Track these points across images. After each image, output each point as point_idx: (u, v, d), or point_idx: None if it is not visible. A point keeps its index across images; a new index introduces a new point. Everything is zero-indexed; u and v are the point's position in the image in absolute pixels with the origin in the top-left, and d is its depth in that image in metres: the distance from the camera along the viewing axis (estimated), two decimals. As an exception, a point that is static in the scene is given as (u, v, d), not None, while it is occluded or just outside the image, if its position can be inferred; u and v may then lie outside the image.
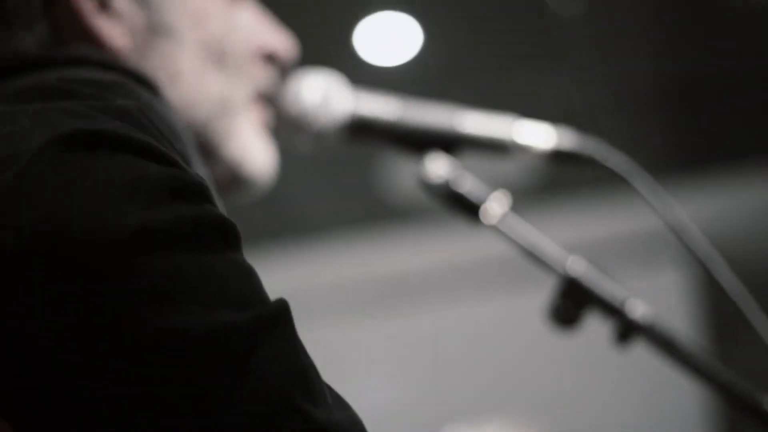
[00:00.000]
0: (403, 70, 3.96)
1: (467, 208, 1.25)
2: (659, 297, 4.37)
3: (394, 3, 3.67)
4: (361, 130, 1.28)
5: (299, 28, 4.05)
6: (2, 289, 0.78)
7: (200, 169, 1.04)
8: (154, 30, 1.20)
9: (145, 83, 1.04)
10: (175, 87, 1.20)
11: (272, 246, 5.27)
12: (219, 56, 1.24)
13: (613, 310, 1.22)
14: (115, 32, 1.18)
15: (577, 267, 1.22)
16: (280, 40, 1.32)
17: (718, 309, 4.83)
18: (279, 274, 5.07)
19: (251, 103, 1.28)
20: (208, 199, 0.86)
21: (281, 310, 0.83)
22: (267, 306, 0.82)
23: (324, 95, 1.27)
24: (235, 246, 0.84)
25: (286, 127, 1.29)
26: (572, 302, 1.22)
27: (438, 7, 3.72)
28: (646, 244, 4.96)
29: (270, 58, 1.31)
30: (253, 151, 1.26)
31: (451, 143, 1.27)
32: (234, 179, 1.26)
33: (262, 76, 1.29)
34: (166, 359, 0.77)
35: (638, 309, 1.22)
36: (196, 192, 0.85)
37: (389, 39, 3.61)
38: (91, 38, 1.17)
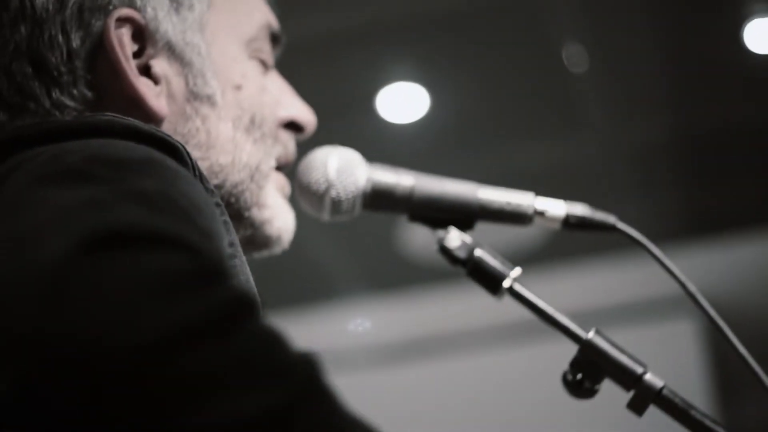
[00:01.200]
0: (415, 127, 4.43)
1: (488, 280, 1.26)
2: (666, 352, 4.38)
3: (408, 75, 4.24)
4: (377, 203, 1.29)
5: (334, 95, 4.16)
6: (48, 400, 0.78)
7: (224, 238, 1.05)
8: (193, 95, 1.23)
9: (172, 152, 1.04)
10: (210, 152, 1.23)
11: (295, 308, 5.28)
12: (251, 124, 1.27)
13: (631, 383, 1.22)
14: (155, 95, 1.21)
15: (597, 339, 1.23)
16: (303, 110, 1.35)
17: (723, 367, 4.82)
18: (302, 335, 5.07)
19: (275, 169, 1.31)
20: (227, 275, 0.86)
21: (314, 376, 0.82)
22: (300, 376, 0.82)
23: (341, 169, 1.29)
24: (256, 317, 0.84)
25: (306, 198, 1.31)
26: (589, 372, 1.23)
27: (443, 77, 4.23)
28: (653, 304, 4.96)
29: (292, 127, 1.34)
30: (277, 215, 1.30)
31: (470, 217, 1.28)
32: (258, 239, 1.30)
33: (284, 143, 1.33)
34: None
35: (656, 382, 1.22)
36: (217, 273, 0.85)
37: (404, 102, 4.33)
38: (132, 100, 1.20)
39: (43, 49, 1.18)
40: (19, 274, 0.81)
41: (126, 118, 1.12)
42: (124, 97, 1.20)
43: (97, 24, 1.19)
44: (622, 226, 1.30)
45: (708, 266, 4.96)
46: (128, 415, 0.77)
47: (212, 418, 0.77)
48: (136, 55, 1.21)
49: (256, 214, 1.28)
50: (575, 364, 1.24)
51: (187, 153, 1.05)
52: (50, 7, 1.19)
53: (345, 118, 4.25)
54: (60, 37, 1.18)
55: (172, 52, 1.23)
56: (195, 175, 1.05)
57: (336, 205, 1.29)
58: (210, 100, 1.24)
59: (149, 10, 1.21)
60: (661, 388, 1.22)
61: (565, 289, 4.83)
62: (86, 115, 1.18)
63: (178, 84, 1.23)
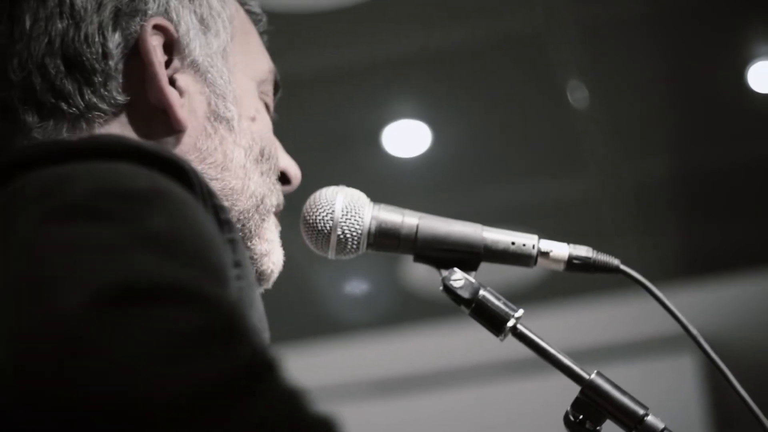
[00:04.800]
0: (418, 160, 4.52)
1: (491, 321, 1.27)
2: (666, 388, 4.37)
3: (410, 113, 4.33)
4: (382, 243, 1.30)
5: (344, 131, 4.19)
6: None
7: (232, 271, 1.02)
8: (214, 115, 1.25)
9: (177, 173, 1.01)
10: (225, 173, 1.25)
11: (299, 341, 5.28)
12: (260, 156, 1.29)
13: (632, 424, 1.23)
14: (181, 107, 1.22)
15: (599, 380, 1.24)
16: (293, 164, 1.38)
17: (722, 403, 4.81)
18: (306, 367, 5.07)
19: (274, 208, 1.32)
20: (243, 328, 0.83)
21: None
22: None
23: (347, 209, 1.30)
24: (273, 374, 0.81)
25: (312, 237, 1.32)
26: (591, 413, 1.24)
27: (443, 114, 4.36)
28: (653, 341, 4.96)
29: (282, 178, 1.36)
30: (273, 250, 1.32)
31: (475, 258, 1.29)
32: (255, 272, 1.30)
33: (279, 188, 1.35)
34: None
35: (657, 424, 1.23)
36: (232, 327, 0.82)
37: (407, 137, 4.43)
38: (159, 107, 1.21)
39: (79, 46, 1.20)
40: (33, 325, 0.79)
41: (129, 138, 1.12)
42: (151, 103, 1.22)
43: (133, 28, 1.21)
44: (625, 268, 1.30)
45: (708, 304, 4.96)
46: None
47: None
48: (166, 65, 1.23)
49: (257, 245, 1.29)
50: (577, 405, 1.24)
51: (195, 173, 1.03)
52: (89, 6, 1.20)
53: (350, 152, 4.27)
54: (97, 37, 1.20)
55: (197, 69, 1.25)
56: (202, 194, 1.01)
57: (341, 244, 1.30)
58: (229, 123, 1.26)
59: (183, 24, 1.24)
60: (662, 430, 1.23)
61: (567, 326, 4.84)
62: (94, 135, 1.19)
63: (200, 101, 1.25)
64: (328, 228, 1.29)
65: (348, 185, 1.34)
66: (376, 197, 1.34)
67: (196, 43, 1.25)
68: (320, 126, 4.07)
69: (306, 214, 1.31)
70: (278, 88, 1.41)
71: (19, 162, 0.99)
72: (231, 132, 1.26)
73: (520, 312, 1.26)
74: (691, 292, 5.07)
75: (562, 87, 4.08)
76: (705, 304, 5.03)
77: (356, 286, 5.31)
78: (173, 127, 1.22)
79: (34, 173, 0.97)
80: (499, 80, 4.10)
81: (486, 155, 4.50)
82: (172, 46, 1.24)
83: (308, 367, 5.20)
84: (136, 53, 1.22)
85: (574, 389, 1.25)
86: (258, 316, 1.11)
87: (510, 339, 1.28)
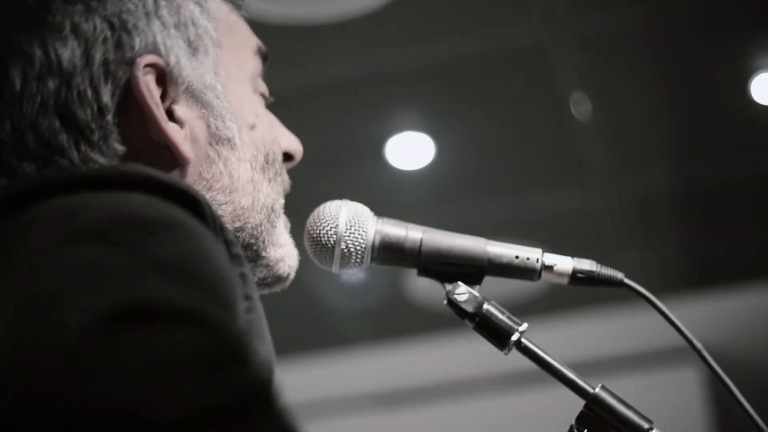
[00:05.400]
0: (421, 173, 4.53)
1: (496, 335, 1.27)
2: (669, 400, 4.36)
3: (414, 125, 4.35)
4: (386, 256, 1.30)
5: (347, 143, 4.21)
6: None
7: (241, 303, 1.02)
8: (215, 139, 1.23)
9: (192, 205, 1.01)
10: (233, 195, 1.24)
11: (303, 354, 5.28)
12: (265, 163, 1.28)
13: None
14: (183, 140, 1.20)
15: (603, 394, 1.24)
16: (294, 141, 1.36)
17: (726, 414, 4.81)
18: (309, 380, 5.06)
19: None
20: (248, 356, 0.83)
21: None
22: None
23: (351, 223, 1.30)
24: (272, 404, 0.81)
25: (315, 250, 1.32)
26: (595, 427, 1.24)
27: (446, 127, 4.37)
28: (657, 353, 4.96)
29: (287, 158, 1.35)
30: (288, 253, 1.32)
31: (478, 271, 1.29)
32: (272, 277, 1.31)
33: (285, 177, 1.34)
34: None
35: (661, 438, 1.23)
36: (237, 354, 0.82)
37: (410, 150, 4.44)
38: (163, 146, 1.20)
39: (73, 104, 1.16)
40: (41, 340, 0.79)
41: (147, 168, 1.09)
42: (154, 144, 1.20)
43: (124, 74, 1.18)
44: (630, 282, 1.30)
45: (711, 316, 4.96)
46: None
47: None
48: (162, 100, 1.20)
49: (272, 253, 1.30)
50: (581, 419, 1.24)
51: (208, 205, 1.03)
52: (77, 62, 1.17)
53: (353, 164, 4.28)
54: (89, 93, 1.17)
55: (192, 95, 1.22)
56: (214, 227, 1.02)
57: (345, 258, 1.30)
58: (230, 142, 1.24)
59: (172, 55, 1.21)
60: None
61: (570, 339, 4.83)
62: (107, 166, 1.17)
63: (200, 127, 1.23)
64: (331, 242, 1.29)
65: (351, 197, 1.34)
66: (379, 209, 1.34)
67: (188, 69, 1.22)
68: (323, 138, 4.08)
69: (310, 229, 1.31)
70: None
71: (35, 190, 1.00)
72: (234, 150, 1.25)
73: (525, 326, 1.26)
74: (693, 303, 5.07)
75: (565, 99, 4.09)
76: (707, 315, 5.03)
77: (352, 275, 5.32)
78: (177, 161, 1.21)
79: (50, 201, 0.97)
80: (502, 93, 4.10)
81: (489, 167, 4.51)
82: (165, 78, 1.21)
83: (312, 380, 5.20)
84: (131, 97, 1.19)
85: (579, 402, 1.25)
86: (267, 349, 1.10)
87: (514, 352, 1.28)
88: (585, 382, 1.25)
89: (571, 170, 4.49)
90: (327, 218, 1.30)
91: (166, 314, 0.81)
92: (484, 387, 5.29)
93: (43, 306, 0.82)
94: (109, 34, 1.18)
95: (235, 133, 1.25)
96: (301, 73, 3.82)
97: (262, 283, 1.31)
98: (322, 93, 3.97)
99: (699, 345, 1.29)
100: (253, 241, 1.27)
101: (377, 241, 1.29)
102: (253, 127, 1.28)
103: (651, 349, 5.00)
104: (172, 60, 1.21)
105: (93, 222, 0.91)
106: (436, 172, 4.48)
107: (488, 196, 4.66)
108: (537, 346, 1.26)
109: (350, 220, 1.30)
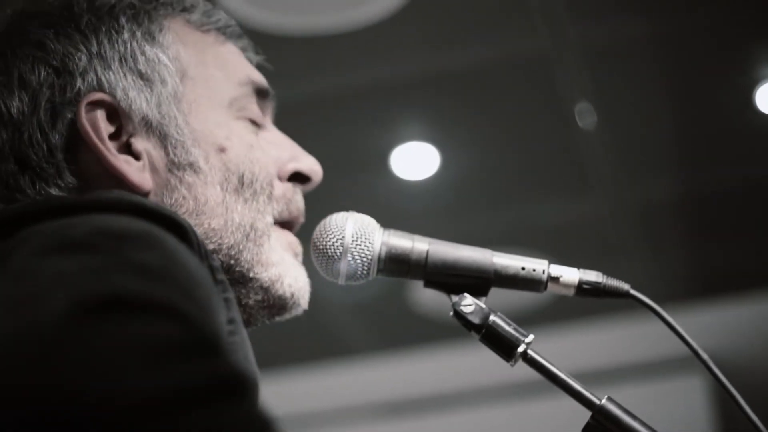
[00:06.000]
0: (426, 183, 4.53)
1: (502, 346, 1.27)
2: (675, 409, 4.35)
3: (419, 135, 4.34)
4: (392, 268, 1.30)
5: (353, 153, 4.20)
6: None
7: (223, 315, 1.05)
8: (175, 165, 1.26)
9: (177, 229, 1.05)
10: (201, 218, 1.25)
11: (310, 366, 5.28)
12: (239, 184, 1.29)
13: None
14: (137, 171, 1.24)
15: (609, 406, 1.24)
16: (305, 161, 1.37)
17: (731, 423, 4.80)
18: (314, 390, 5.06)
19: (278, 225, 1.33)
20: (221, 349, 0.86)
21: None
22: None
23: (357, 235, 1.30)
24: (245, 395, 0.83)
25: (322, 263, 1.32)
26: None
27: (451, 137, 4.37)
28: (662, 362, 4.96)
29: (298, 178, 1.36)
30: (286, 272, 1.31)
31: (485, 283, 1.29)
32: (273, 301, 1.31)
33: (286, 199, 1.35)
34: None
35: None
36: (209, 345, 0.85)
37: (415, 160, 4.44)
38: (115, 178, 1.23)
39: (25, 148, 1.24)
40: (16, 332, 0.83)
41: (136, 196, 1.16)
42: (107, 177, 1.24)
43: (70, 115, 1.25)
44: (636, 293, 1.30)
45: (715, 325, 4.95)
46: None
47: None
48: (116, 134, 1.26)
49: (262, 273, 1.29)
50: (588, 430, 1.24)
51: (193, 232, 1.07)
52: (25, 109, 1.25)
53: (359, 175, 4.28)
54: (39, 136, 1.24)
55: (149, 125, 1.26)
56: (200, 253, 1.06)
57: (351, 270, 1.30)
58: (192, 167, 1.26)
59: (119, 90, 1.26)
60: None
61: (576, 349, 4.83)
62: (95, 192, 1.21)
63: (158, 156, 1.26)
64: (338, 254, 1.29)
65: (355, 207, 1.34)
66: (384, 219, 1.34)
67: (140, 102, 1.27)
68: (328, 148, 4.08)
69: (316, 240, 1.31)
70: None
71: (26, 215, 1.06)
72: (199, 174, 1.27)
73: (531, 337, 1.26)
74: (697, 313, 5.06)
75: (569, 109, 4.09)
76: (712, 324, 5.03)
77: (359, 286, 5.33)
78: (135, 191, 1.24)
79: (39, 225, 1.02)
80: (506, 102, 4.11)
81: (494, 177, 4.51)
82: (117, 113, 1.26)
83: (318, 390, 5.19)
84: (78, 134, 1.25)
85: (584, 412, 1.25)
86: (252, 371, 1.12)
87: (520, 363, 1.28)
88: (591, 394, 1.25)
89: (576, 180, 4.49)
90: (333, 230, 1.30)
91: (140, 305, 0.85)
92: (490, 397, 5.28)
93: (21, 304, 0.86)
94: (54, 79, 1.26)
95: (197, 158, 1.27)
96: (307, 84, 3.83)
97: (265, 307, 1.31)
98: (327, 103, 3.98)
99: (705, 356, 1.29)
100: (232, 262, 1.27)
101: (383, 253, 1.29)
102: (223, 150, 1.29)
103: (657, 358, 4.99)
104: (120, 94, 1.26)
105: (77, 235, 0.96)
106: (442, 182, 4.48)
107: (493, 206, 4.66)
108: (543, 358, 1.26)
109: (357, 231, 1.30)
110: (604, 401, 1.24)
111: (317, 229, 1.31)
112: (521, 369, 1.34)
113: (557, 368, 1.26)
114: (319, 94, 3.91)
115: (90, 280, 0.87)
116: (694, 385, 4.96)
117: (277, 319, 1.34)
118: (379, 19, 3.66)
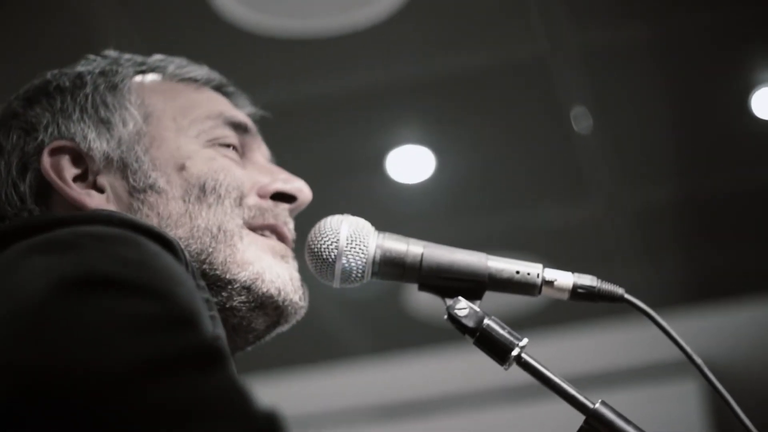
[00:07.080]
0: (422, 186, 4.51)
1: (496, 350, 1.27)
2: (669, 413, 4.35)
3: (414, 138, 4.33)
4: (387, 271, 1.30)
5: (348, 156, 4.19)
6: (23, 423, 0.84)
7: (208, 322, 1.08)
8: (137, 190, 1.33)
9: (166, 245, 1.10)
10: (167, 230, 1.28)
11: (305, 369, 5.27)
12: (201, 192, 1.34)
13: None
14: (101, 203, 1.32)
15: (603, 410, 1.24)
16: (288, 181, 1.41)
17: (725, 427, 4.80)
18: (309, 393, 5.06)
19: (257, 232, 1.36)
20: (200, 325, 0.93)
21: (277, 424, 0.87)
22: (260, 426, 0.86)
23: (352, 238, 1.30)
24: (224, 366, 0.90)
25: (316, 266, 1.32)
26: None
27: (447, 140, 4.35)
28: (657, 366, 4.96)
29: (282, 198, 1.39)
30: (265, 269, 1.33)
31: (479, 287, 1.29)
32: (263, 303, 1.33)
33: (262, 207, 1.37)
34: None
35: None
36: (189, 321, 0.92)
37: (411, 164, 4.42)
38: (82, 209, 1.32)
39: (2, 204, 1.35)
40: (2, 313, 0.90)
41: (120, 213, 1.25)
42: (73, 209, 1.32)
43: (36, 165, 1.35)
44: (630, 297, 1.31)
45: (711, 330, 4.95)
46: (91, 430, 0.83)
47: None
48: (84, 174, 1.35)
49: (239, 273, 1.31)
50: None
51: (181, 248, 1.13)
52: (2, 172, 1.36)
53: (354, 178, 4.28)
54: (12, 190, 1.35)
55: (110, 161, 1.35)
56: (189, 269, 1.11)
57: (346, 273, 1.30)
58: (153, 188, 1.34)
59: (78, 135, 1.35)
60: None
61: (571, 352, 4.83)
62: (89, 210, 1.30)
63: (121, 185, 1.34)
64: (332, 257, 1.30)
65: (351, 210, 1.34)
66: (379, 223, 1.34)
67: (101, 143, 1.36)
68: (324, 152, 4.08)
69: (311, 243, 1.31)
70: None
71: (15, 231, 1.14)
72: (160, 194, 1.34)
73: (525, 341, 1.26)
74: (693, 318, 5.06)
75: (566, 113, 4.09)
76: (708, 329, 5.03)
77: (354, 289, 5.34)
78: None
79: (29, 239, 1.09)
80: (502, 106, 4.11)
81: (489, 181, 4.51)
82: (81, 156, 1.35)
83: (313, 393, 5.19)
84: (46, 180, 1.35)
85: (578, 416, 1.25)
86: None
87: (514, 366, 1.28)
88: (585, 398, 1.25)
89: (572, 184, 4.50)
90: (328, 233, 1.30)
91: (120, 284, 0.93)
92: (484, 401, 5.28)
93: (8, 293, 0.94)
94: (24, 140, 1.37)
95: (156, 179, 1.34)
96: (302, 87, 3.83)
97: (256, 308, 1.33)
98: (323, 106, 3.98)
99: (699, 360, 1.29)
100: (206, 266, 1.31)
101: (378, 256, 1.30)
102: (183, 168, 1.35)
103: (651, 362, 4.99)
104: (79, 138, 1.36)
105: (62, 236, 1.05)
106: (437, 185, 4.48)
107: (489, 210, 4.66)
108: (537, 361, 1.26)
109: (351, 234, 1.30)
110: (597, 405, 1.24)
111: (312, 232, 1.32)
112: (515, 373, 1.34)
113: (551, 372, 1.26)
114: (315, 97, 3.91)
115: (71, 265, 0.95)
116: (688, 390, 4.96)
117: (283, 324, 1.37)
118: (375, 23, 3.66)
